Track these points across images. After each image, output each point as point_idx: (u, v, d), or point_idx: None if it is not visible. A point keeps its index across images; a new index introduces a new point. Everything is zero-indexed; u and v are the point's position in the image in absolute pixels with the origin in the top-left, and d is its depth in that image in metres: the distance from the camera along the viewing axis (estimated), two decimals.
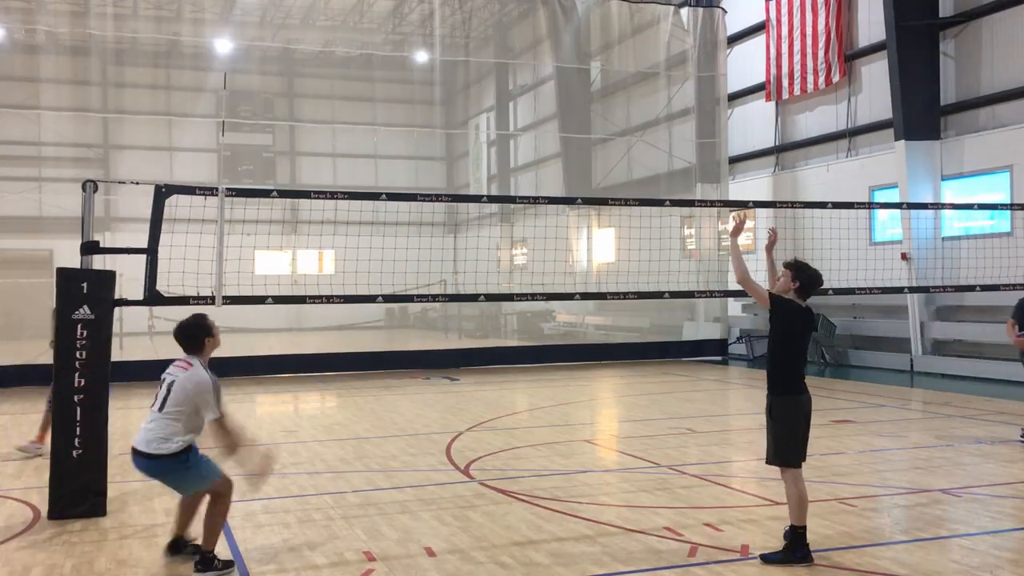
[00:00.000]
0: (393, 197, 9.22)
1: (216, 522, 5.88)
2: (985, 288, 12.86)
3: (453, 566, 5.97)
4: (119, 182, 31.29)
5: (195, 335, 5.97)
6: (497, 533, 6.72)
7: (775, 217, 20.51)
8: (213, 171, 32.74)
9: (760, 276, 6.79)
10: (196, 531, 6.09)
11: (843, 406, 13.64)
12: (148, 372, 17.30)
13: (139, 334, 24.00)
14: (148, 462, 5.83)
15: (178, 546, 6.10)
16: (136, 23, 25.59)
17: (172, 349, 6.26)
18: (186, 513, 6.15)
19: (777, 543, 6.29)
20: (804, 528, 5.93)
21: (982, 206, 16.46)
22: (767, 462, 6.18)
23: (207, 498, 5.99)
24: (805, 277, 6.20)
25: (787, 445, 6.05)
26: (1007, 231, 17.01)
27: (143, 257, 7.69)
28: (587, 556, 6.15)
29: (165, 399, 5.81)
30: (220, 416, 5.80)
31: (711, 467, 9.28)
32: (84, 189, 7.55)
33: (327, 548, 6.37)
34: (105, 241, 8.48)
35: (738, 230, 6.61)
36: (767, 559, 5.92)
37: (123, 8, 23.76)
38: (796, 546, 5.90)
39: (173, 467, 5.82)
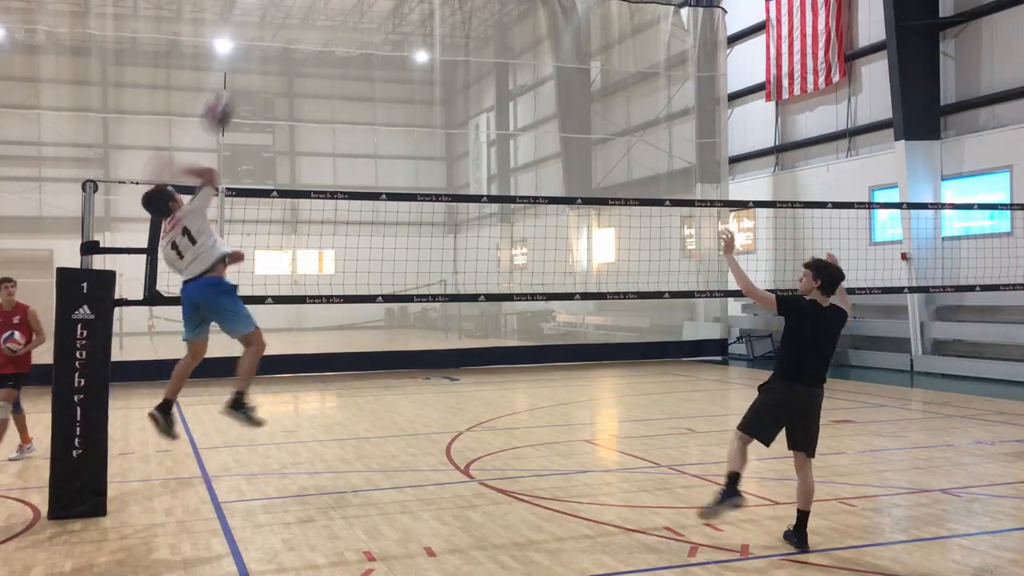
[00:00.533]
0: (393, 197, 9.21)
1: (251, 366, 7.26)
2: (985, 288, 12.88)
3: (453, 566, 5.96)
4: (119, 182, 31.26)
5: (159, 200, 7.13)
6: (497, 533, 6.72)
7: (775, 217, 20.54)
8: None
9: (754, 276, 6.85)
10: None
11: (843, 406, 13.63)
12: (148, 372, 17.41)
13: (139, 334, 24.01)
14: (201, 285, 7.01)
15: (166, 408, 7.19)
16: (136, 23, 25.58)
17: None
18: (182, 379, 7.37)
19: (778, 542, 6.32)
20: (737, 475, 6.23)
21: (982, 206, 16.46)
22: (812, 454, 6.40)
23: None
24: (826, 275, 6.38)
25: (749, 411, 6.46)
26: (1007, 231, 17.02)
27: (143, 257, 7.69)
28: (587, 556, 6.15)
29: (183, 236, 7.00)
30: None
31: (711, 467, 9.27)
32: (84, 189, 7.55)
33: (327, 548, 6.37)
34: (105, 241, 8.47)
35: (729, 246, 6.79)
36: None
37: (123, 8, 23.76)
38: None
39: (220, 289, 7.10)
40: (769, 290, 6.80)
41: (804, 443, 6.34)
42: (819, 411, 6.39)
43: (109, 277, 7.40)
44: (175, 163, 7.21)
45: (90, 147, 31.37)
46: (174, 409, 7.32)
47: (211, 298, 6.95)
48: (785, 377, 6.32)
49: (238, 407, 7.11)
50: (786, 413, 6.33)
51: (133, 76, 30.77)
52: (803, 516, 6.26)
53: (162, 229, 7.09)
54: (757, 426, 6.36)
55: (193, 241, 6.82)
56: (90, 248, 7.48)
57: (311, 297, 8.62)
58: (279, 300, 8.67)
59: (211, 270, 6.93)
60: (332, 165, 35.02)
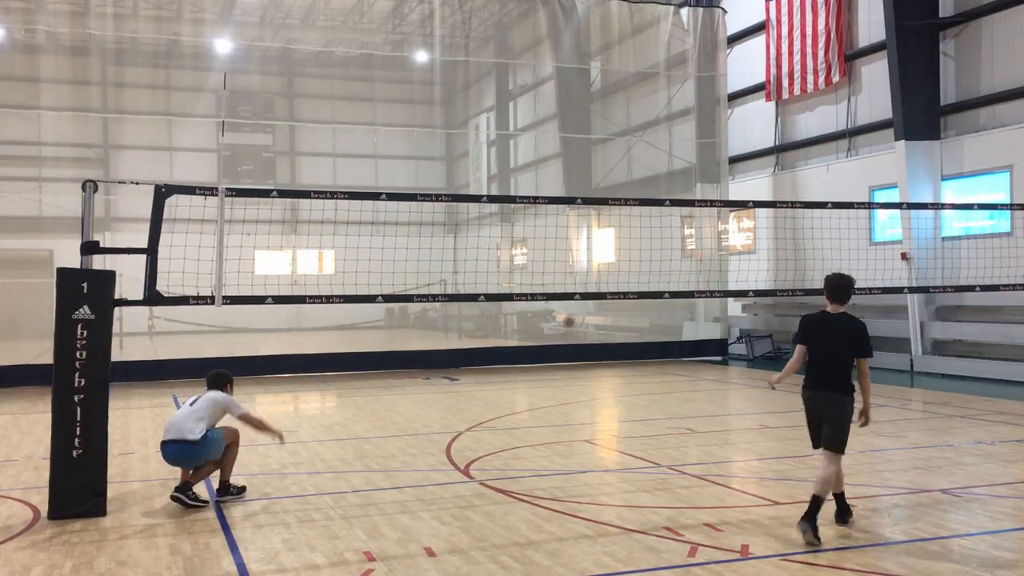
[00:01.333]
0: (393, 197, 9.20)
1: (231, 460, 7.87)
2: (985, 288, 12.87)
3: (453, 566, 5.97)
4: (119, 182, 31.28)
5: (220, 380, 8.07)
6: (497, 533, 6.73)
7: (775, 217, 20.52)
8: (213, 171, 32.76)
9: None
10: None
11: None
12: (148, 372, 17.40)
13: (139, 334, 24.02)
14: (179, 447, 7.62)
15: (186, 491, 7.53)
16: (136, 23, 25.58)
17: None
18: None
19: (778, 542, 6.33)
20: (819, 500, 6.52)
21: (982, 206, 16.47)
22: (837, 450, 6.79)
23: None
24: (825, 287, 7.06)
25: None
26: (1007, 231, 17.02)
27: (143, 257, 7.70)
28: (587, 556, 6.15)
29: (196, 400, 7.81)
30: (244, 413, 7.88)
31: (711, 467, 9.28)
32: (84, 189, 7.54)
33: (327, 548, 6.38)
34: (105, 241, 8.46)
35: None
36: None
37: (123, 8, 23.76)
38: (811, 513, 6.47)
39: (194, 449, 7.58)
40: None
41: (825, 441, 6.80)
42: (838, 412, 6.72)
43: (109, 277, 7.41)
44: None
45: (90, 147, 31.39)
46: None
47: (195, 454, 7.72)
48: (805, 385, 6.96)
49: (226, 492, 7.91)
50: (811, 415, 6.93)
51: (133, 76, 30.80)
52: (815, 501, 6.50)
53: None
54: (811, 437, 7.04)
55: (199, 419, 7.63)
56: (90, 248, 7.48)
57: (311, 297, 8.62)
58: (279, 300, 8.67)
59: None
60: (332, 165, 35.03)
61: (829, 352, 6.78)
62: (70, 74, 26.88)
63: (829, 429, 6.73)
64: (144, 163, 32.03)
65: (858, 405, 6.80)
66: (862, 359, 6.83)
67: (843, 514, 6.87)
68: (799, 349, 7.03)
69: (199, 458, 7.59)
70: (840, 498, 6.92)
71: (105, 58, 27.69)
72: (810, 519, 6.36)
